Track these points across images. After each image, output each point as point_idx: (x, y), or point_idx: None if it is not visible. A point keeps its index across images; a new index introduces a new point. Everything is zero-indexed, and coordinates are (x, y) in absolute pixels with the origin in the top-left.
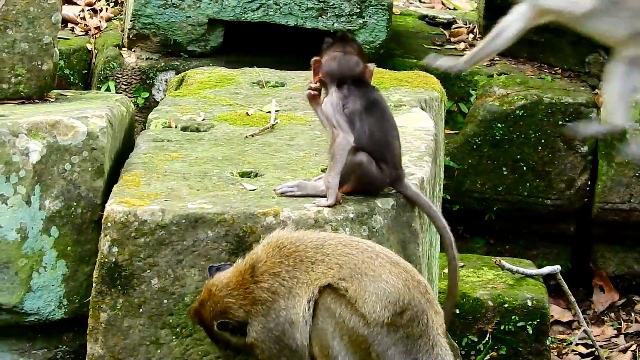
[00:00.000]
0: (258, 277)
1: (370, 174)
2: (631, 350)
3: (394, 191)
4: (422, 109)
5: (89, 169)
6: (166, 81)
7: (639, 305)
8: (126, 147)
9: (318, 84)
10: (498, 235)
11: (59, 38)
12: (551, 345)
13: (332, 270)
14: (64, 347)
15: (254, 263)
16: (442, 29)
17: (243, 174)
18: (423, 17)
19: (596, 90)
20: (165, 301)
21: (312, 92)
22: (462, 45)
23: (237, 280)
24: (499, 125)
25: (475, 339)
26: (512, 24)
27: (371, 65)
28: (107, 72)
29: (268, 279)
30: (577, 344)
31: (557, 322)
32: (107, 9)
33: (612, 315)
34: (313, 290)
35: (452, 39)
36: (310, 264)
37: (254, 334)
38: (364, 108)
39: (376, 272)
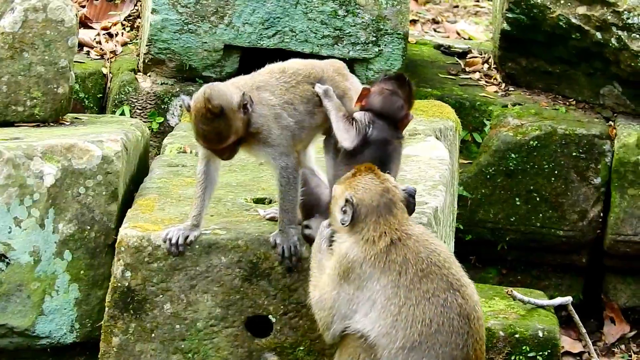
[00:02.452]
0: None
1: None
2: None
3: None
4: (437, 138)
5: (104, 193)
6: (181, 106)
7: None
8: (141, 171)
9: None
10: (510, 266)
11: (75, 62)
12: None
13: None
14: None
15: None
16: (457, 59)
17: (257, 200)
18: (438, 47)
19: (610, 122)
20: (177, 326)
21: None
22: (477, 75)
23: None
24: (513, 155)
25: None
26: None
27: (411, 116)
28: (122, 96)
29: None
30: None
31: (568, 353)
32: (123, 33)
33: (623, 347)
34: None
35: (467, 69)
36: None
37: None
38: (372, 142)
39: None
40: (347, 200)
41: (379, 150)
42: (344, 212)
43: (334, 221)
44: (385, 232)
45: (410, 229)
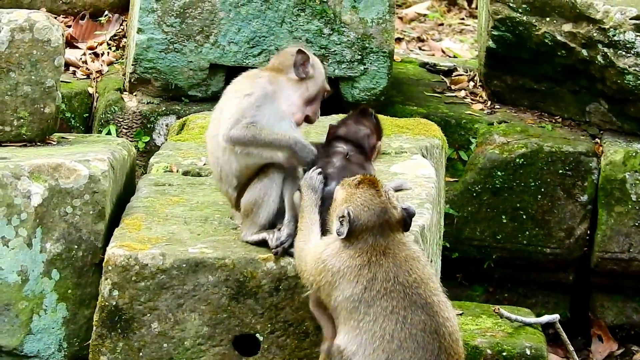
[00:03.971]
0: None
1: None
2: None
3: None
4: (423, 156)
5: (91, 212)
6: (167, 125)
7: (638, 355)
8: (127, 190)
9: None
10: (497, 284)
11: (61, 81)
12: None
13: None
14: None
15: None
16: (442, 77)
17: None
18: (424, 65)
19: (596, 139)
20: (165, 345)
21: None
22: (462, 93)
23: None
24: (499, 173)
25: None
26: None
27: (379, 145)
28: (108, 115)
29: None
30: None
31: None
32: (108, 53)
33: None
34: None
35: (453, 87)
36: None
37: None
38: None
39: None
40: (343, 216)
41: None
42: (341, 223)
43: (330, 223)
44: (367, 252)
45: (394, 250)
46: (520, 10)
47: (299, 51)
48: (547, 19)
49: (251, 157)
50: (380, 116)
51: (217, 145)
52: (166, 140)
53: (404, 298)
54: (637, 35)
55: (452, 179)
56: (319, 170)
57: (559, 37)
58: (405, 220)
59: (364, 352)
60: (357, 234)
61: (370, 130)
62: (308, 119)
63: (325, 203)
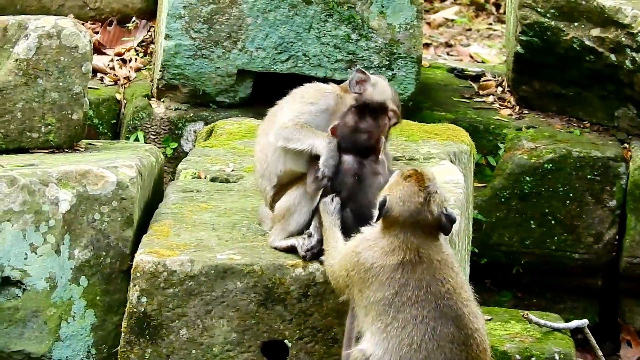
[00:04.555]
0: None
1: None
2: None
3: None
4: (451, 161)
5: (119, 218)
6: (195, 131)
7: None
8: (155, 197)
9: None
10: (525, 289)
11: (89, 88)
12: None
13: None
14: None
15: None
16: (470, 82)
17: None
18: (452, 70)
19: (625, 144)
20: (193, 351)
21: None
22: (490, 98)
23: None
24: (527, 178)
25: None
26: None
27: (382, 140)
28: (136, 122)
29: None
30: None
31: None
32: (136, 59)
33: None
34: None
35: (481, 92)
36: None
37: None
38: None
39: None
40: (379, 202)
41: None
42: (378, 207)
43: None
44: (401, 248)
45: (429, 253)
46: (548, 15)
47: (358, 70)
48: (575, 24)
49: (292, 157)
50: (407, 122)
51: (269, 144)
52: (194, 146)
53: (435, 309)
54: None
55: (480, 185)
56: (332, 196)
57: (587, 42)
58: (444, 225)
59: (385, 354)
60: (389, 225)
61: (367, 130)
62: None
63: (344, 225)
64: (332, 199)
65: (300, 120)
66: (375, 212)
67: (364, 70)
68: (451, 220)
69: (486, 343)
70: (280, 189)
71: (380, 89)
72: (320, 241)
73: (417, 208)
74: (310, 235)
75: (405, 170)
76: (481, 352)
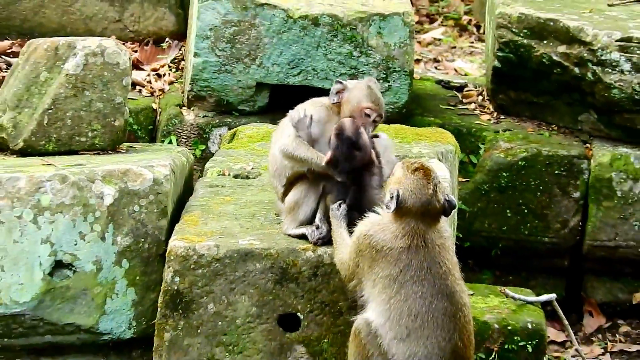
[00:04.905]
0: None
1: None
2: None
3: None
4: (439, 159)
5: (155, 210)
6: (220, 135)
7: (623, 328)
8: (186, 191)
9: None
10: (503, 268)
11: (128, 98)
12: None
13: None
14: None
15: None
16: (455, 92)
17: None
18: (439, 82)
19: (587, 144)
20: (219, 323)
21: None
22: (472, 106)
23: None
24: (504, 174)
25: (483, 356)
26: None
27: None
28: (170, 127)
29: None
30: None
31: (553, 342)
32: (169, 74)
33: (600, 336)
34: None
35: (464, 100)
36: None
37: None
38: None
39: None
40: (393, 195)
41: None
42: (391, 199)
43: (384, 194)
44: (410, 234)
45: (432, 237)
46: (521, 34)
47: (336, 81)
48: (545, 41)
49: (295, 164)
50: (402, 126)
51: (279, 150)
52: (219, 148)
53: (432, 286)
54: (622, 55)
55: (464, 180)
56: (339, 202)
57: (555, 57)
58: (447, 210)
59: (391, 325)
60: (402, 214)
61: (359, 154)
62: None
63: (350, 223)
64: (339, 205)
65: (298, 135)
66: (391, 204)
67: (341, 80)
68: (452, 206)
69: (470, 315)
70: (289, 186)
71: (354, 92)
72: (328, 230)
73: (427, 199)
74: (318, 227)
75: (410, 164)
76: (467, 323)
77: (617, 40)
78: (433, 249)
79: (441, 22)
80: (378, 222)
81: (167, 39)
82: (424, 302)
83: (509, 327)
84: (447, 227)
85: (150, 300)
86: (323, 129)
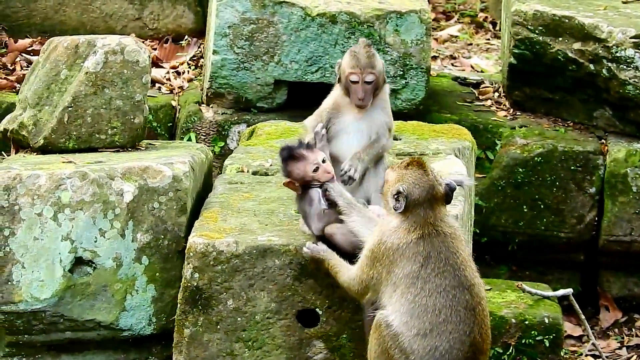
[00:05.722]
0: None
1: None
2: None
3: None
4: (456, 156)
5: (174, 207)
6: (239, 132)
7: (639, 322)
8: (205, 188)
9: None
10: (519, 263)
11: (148, 96)
12: (565, 356)
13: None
14: (153, 358)
15: None
16: (472, 89)
17: None
18: (455, 79)
19: (602, 140)
20: (239, 319)
21: None
22: (488, 102)
23: None
24: (520, 169)
25: (501, 351)
26: None
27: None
28: (189, 124)
29: None
30: (586, 355)
31: (570, 337)
32: (188, 71)
33: (616, 330)
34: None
35: (480, 97)
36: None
37: None
38: None
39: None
40: (399, 192)
41: None
42: (397, 200)
43: (385, 203)
44: (420, 225)
45: (442, 226)
46: (537, 31)
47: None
48: (560, 38)
49: None
50: (419, 122)
51: None
52: (238, 145)
53: (453, 278)
54: (636, 52)
55: (480, 175)
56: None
57: (570, 54)
58: (448, 194)
59: (414, 322)
60: (411, 209)
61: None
62: (357, 107)
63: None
64: (317, 243)
65: (320, 117)
66: (398, 204)
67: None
68: (452, 189)
69: (487, 309)
70: None
71: (341, 64)
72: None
73: (431, 184)
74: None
75: (399, 164)
76: (485, 317)
77: (631, 37)
78: (445, 238)
79: (457, 19)
80: (387, 228)
81: (186, 37)
82: (447, 296)
83: (526, 322)
84: (453, 219)
85: (169, 297)
86: (337, 115)
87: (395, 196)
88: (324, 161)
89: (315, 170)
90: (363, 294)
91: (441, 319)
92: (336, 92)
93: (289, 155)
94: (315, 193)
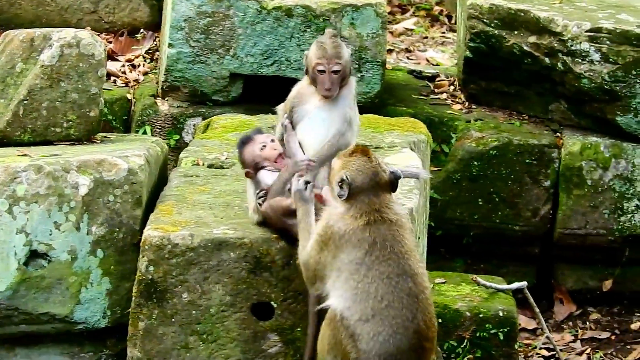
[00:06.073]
0: None
1: None
2: (586, 353)
3: None
4: (411, 149)
5: (130, 200)
6: (194, 126)
7: (593, 315)
8: (161, 181)
9: None
10: (474, 256)
11: (103, 89)
12: (519, 349)
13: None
14: (108, 351)
15: None
16: (427, 82)
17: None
18: (411, 72)
19: (557, 133)
20: (193, 312)
21: None
22: (444, 96)
23: None
24: (476, 163)
25: (455, 344)
26: None
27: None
28: (144, 117)
29: None
30: (540, 348)
31: (524, 330)
32: (144, 64)
33: (570, 323)
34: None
35: (436, 90)
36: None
37: None
38: None
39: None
40: (342, 179)
41: None
42: (341, 187)
43: (331, 190)
44: (366, 212)
45: (387, 213)
46: (492, 25)
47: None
48: (515, 32)
49: None
50: (374, 116)
51: None
52: (193, 138)
53: (397, 266)
54: (592, 45)
55: (436, 168)
56: (307, 179)
57: (525, 48)
58: (393, 183)
59: (356, 308)
60: (355, 195)
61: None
62: (323, 96)
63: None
64: (305, 184)
65: (286, 106)
66: (342, 191)
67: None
68: (397, 177)
69: (431, 299)
70: None
71: (308, 54)
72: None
73: (374, 171)
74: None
75: (344, 153)
76: (429, 305)
77: (586, 31)
78: (391, 225)
79: (413, 12)
80: (335, 213)
81: (141, 30)
82: (390, 283)
83: (481, 315)
84: (399, 206)
85: (124, 290)
86: (302, 103)
87: (340, 183)
88: (272, 141)
89: (262, 149)
90: (311, 281)
91: (383, 305)
92: (303, 82)
93: (241, 141)
94: (264, 173)
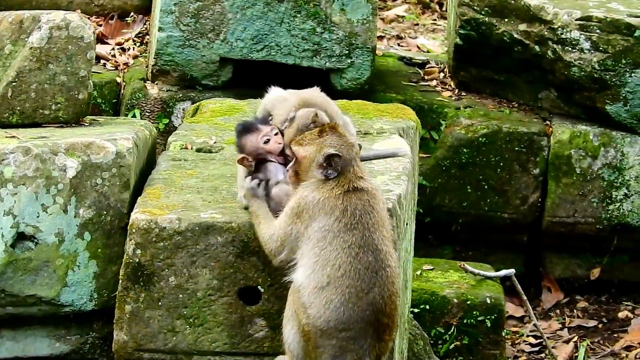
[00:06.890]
0: None
1: None
2: (573, 341)
3: None
4: (400, 135)
5: (117, 183)
6: (183, 110)
7: (580, 303)
8: (149, 165)
9: None
10: (463, 243)
11: (93, 72)
12: (506, 336)
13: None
14: (94, 334)
15: None
16: (417, 69)
17: None
18: (401, 58)
19: (547, 122)
20: (180, 296)
21: None
22: (434, 83)
23: None
24: (465, 150)
25: (442, 330)
26: None
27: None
28: (134, 101)
29: None
30: (528, 336)
31: (512, 317)
32: (134, 48)
33: (558, 311)
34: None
35: (426, 77)
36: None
37: None
38: None
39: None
40: (331, 156)
41: None
42: (329, 166)
43: (306, 177)
44: (343, 183)
45: (362, 183)
46: (483, 12)
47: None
48: (506, 19)
49: None
50: (364, 102)
51: None
52: (182, 122)
53: (361, 238)
54: (582, 34)
55: (425, 155)
56: (259, 182)
57: (515, 35)
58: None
59: (314, 276)
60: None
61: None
62: None
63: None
64: (259, 185)
65: None
66: (331, 170)
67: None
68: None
69: (396, 280)
70: None
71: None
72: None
73: (351, 144)
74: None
75: (310, 133)
76: (390, 284)
77: (577, 19)
78: (363, 194)
79: None
80: (309, 185)
81: (132, 14)
82: (351, 253)
83: (468, 302)
84: (370, 178)
85: (111, 273)
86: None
87: (327, 162)
88: (276, 134)
89: (266, 142)
90: (278, 252)
91: (340, 273)
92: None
93: (243, 128)
94: (273, 167)
